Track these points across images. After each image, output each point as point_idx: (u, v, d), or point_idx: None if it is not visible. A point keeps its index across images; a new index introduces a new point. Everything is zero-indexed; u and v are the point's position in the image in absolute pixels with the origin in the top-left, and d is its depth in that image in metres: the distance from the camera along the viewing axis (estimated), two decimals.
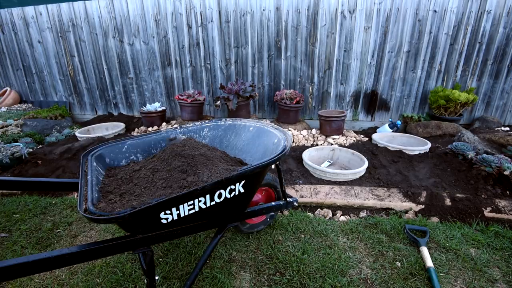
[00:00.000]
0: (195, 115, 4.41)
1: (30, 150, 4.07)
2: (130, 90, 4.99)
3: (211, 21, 4.39)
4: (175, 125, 4.38)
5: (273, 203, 1.89)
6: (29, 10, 4.80)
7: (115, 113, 5.16)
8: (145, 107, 4.62)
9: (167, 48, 4.67)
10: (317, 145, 3.79)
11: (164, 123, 4.59)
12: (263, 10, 4.24)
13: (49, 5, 4.72)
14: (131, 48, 4.75)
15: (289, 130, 4.07)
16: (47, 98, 5.30)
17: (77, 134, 4.24)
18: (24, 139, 4.15)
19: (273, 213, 2.11)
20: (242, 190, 1.43)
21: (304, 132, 4.07)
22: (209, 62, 4.63)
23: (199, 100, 4.36)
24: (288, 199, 1.96)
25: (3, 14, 4.88)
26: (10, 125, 4.37)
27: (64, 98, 5.23)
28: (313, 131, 4.18)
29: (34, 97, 5.33)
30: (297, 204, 2.07)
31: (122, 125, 4.60)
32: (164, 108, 4.64)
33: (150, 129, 4.51)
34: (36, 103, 5.30)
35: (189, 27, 4.48)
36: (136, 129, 4.55)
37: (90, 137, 4.20)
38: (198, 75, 4.74)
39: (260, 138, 1.87)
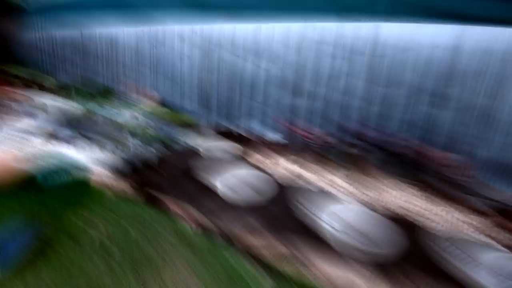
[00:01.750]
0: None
1: (159, 155, 4.29)
2: (255, 113, 4.88)
3: (362, 54, 3.80)
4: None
5: None
6: (186, 28, 5.29)
7: (236, 134, 5.16)
8: (266, 135, 4.39)
9: (302, 78, 4.34)
10: None
11: (282, 160, 4.24)
12: (435, 47, 3.38)
13: (204, 26, 5.09)
14: (267, 74, 4.63)
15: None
16: (182, 106, 5.77)
17: (200, 148, 4.32)
18: (156, 144, 4.48)
19: None
20: None
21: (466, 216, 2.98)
22: (347, 99, 4.05)
23: (330, 143, 3.82)
24: None
25: (167, 30, 5.56)
26: (149, 128, 4.84)
27: (196, 110, 5.57)
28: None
29: (172, 103, 5.90)
30: None
31: (239, 148, 4.49)
32: (287, 143, 4.30)
33: (268, 161, 4.22)
34: (173, 110, 5.85)
35: (334, 58, 4.01)
36: (255, 155, 4.36)
37: (211, 155, 4.21)
38: (330, 110, 4.22)
39: None
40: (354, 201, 3.21)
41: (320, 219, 2.46)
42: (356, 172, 3.63)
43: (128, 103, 6.15)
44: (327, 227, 2.36)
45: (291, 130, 4.60)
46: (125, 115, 5.33)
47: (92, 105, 5.99)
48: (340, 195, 3.35)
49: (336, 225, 2.62)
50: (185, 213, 2.79)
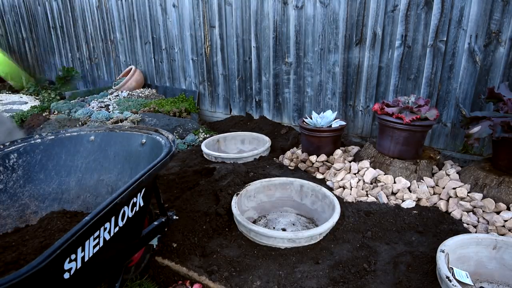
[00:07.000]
0: (410, 148, 2.19)
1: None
2: (283, 82, 3.14)
3: None
4: (366, 162, 2.28)
5: (155, 222, 1.39)
6: None
7: (256, 116, 3.45)
8: (309, 118, 2.63)
9: (361, 13, 2.56)
10: None
11: (338, 150, 2.53)
12: None
13: None
14: (298, 14, 2.85)
15: None
16: (174, 84, 4.04)
17: (203, 148, 2.69)
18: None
19: (153, 243, 1.44)
20: (142, 204, 1.11)
21: None
22: (444, 39, 2.29)
23: (427, 119, 2.10)
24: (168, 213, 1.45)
25: None
26: (126, 119, 3.18)
27: (194, 86, 3.84)
28: None
29: (160, 81, 4.17)
30: (176, 217, 1.51)
31: (266, 141, 2.82)
32: (344, 124, 2.57)
33: (313, 158, 2.53)
34: (161, 89, 4.14)
35: None
36: (288, 153, 2.67)
37: (221, 157, 2.61)
38: (414, 63, 2.47)
39: (112, 146, 1.44)
40: None
41: None
42: None
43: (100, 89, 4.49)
44: None
45: (343, 101, 2.85)
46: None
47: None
48: None
49: None
50: None
